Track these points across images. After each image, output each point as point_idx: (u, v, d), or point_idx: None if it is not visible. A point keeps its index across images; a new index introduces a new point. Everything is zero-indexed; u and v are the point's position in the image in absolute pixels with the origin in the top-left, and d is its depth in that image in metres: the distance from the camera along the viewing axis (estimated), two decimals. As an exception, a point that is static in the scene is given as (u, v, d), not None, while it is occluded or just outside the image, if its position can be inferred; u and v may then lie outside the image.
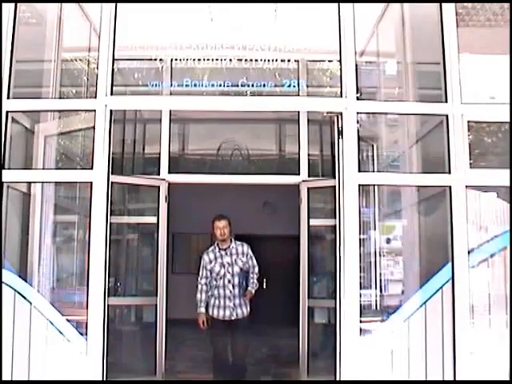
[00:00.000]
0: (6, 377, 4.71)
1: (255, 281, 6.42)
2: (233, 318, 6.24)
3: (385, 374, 4.92)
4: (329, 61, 6.04)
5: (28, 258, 5.21)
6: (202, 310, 6.22)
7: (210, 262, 6.26)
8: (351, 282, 4.76)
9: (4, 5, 5.05)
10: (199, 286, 6.32)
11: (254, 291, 6.37)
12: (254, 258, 6.42)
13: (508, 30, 5.04)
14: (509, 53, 4.89)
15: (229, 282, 6.22)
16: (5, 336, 4.76)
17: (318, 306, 7.31)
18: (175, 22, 5.37)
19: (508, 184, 4.78)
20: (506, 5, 5.30)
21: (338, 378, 4.88)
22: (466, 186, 4.85)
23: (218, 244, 6.33)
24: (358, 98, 5.00)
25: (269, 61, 5.50)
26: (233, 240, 6.36)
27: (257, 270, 6.43)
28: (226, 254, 6.27)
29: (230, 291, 6.22)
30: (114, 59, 5.05)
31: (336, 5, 5.08)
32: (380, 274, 5.68)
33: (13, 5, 5.10)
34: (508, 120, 4.91)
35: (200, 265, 6.36)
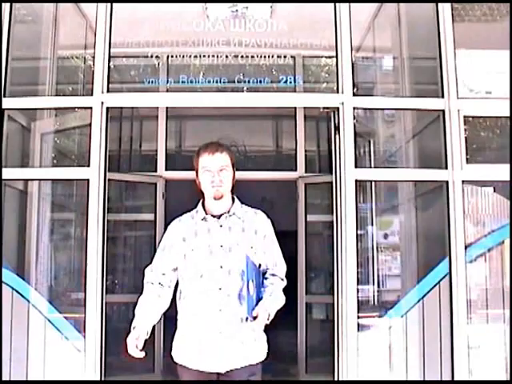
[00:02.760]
0: (4, 375, 4.70)
1: (277, 292, 3.28)
2: (227, 371, 3.18)
3: (383, 370, 4.93)
4: (325, 57, 6.02)
5: (25, 256, 5.20)
6: (142, 325, 3.26)
7: (184, 240, 3.29)
8: (349, 277, 4.77)
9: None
10: (146, 287, 3.41)
11: (272, 312, 3.17)
12: (276, 246, 3.43)
13: (506, 25, 5.05)
14: (509, 48, 4.89)
15: (220, 289, 3.17)
16: (3, 334, 4.76)
17: (315, 302, 7.31)
18: (171, 18, 5.35)
19: (507, 179, 4.79)
20: (502, -1, 5.31)
21: (336, 374, 4.89)
22: (463, 181, 4.86)
23: (204, 205, 3.35)
24: (354, 94, 5.00)
25: (265, 57, 5.48)
26: (236, 200, 3.39)
27: (281, 270, 3.42)
28: (221, 226, 3.27)
29: (221, 310, 3.16)
30: (110, 56, 5.05)
31: (332, 2, 5.09)
32: (378, 270, 5.67)
33: (8, 3, 5.09)
34: (508, 115, 4.91)
35: (160, 245, 3.47)
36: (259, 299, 3.16)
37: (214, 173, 3.22)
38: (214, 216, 3.28)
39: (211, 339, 3.15)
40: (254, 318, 3.06)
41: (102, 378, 4.78)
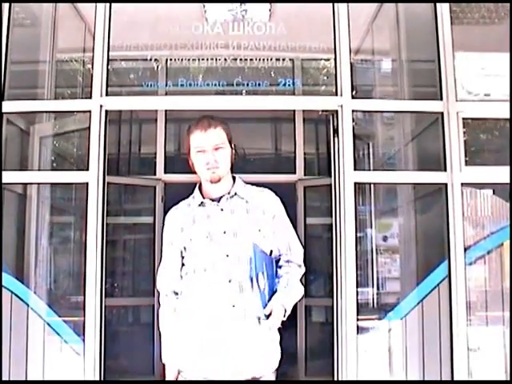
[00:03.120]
0: (3, 378, 4.70)
1: (293, 281, 2.90)
2: (238, 379, 2.73)
3: (382, 372, 4.92)
4: (324, 59, 6.03)
5: (24, 260, 5.20)
6: (171, 362, 3.05)
7: (182, 230, 2.92)
8: (348, 280, 4.76)
9: (-2, 6, 5.04)
10: (162, 300, 2.99)
11: (288, 307, 2.79)
12: (289, 227, 3.04)
13: (504, 27, 5.05)
14: (509, 51, 4.89)
15: (230, 281, 2.76)
16: (3, 338, 4.75)
17: (315, 305, 7.31)
18: (169, 22, 5.36)
19: (507, 181, 4.78)
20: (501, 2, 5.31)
21: (335, 376, 4.88)
22: (462, 184, 4.86)
23: (200, 189, 2.98)
24: (353, 96, 5.00)
25: (264, 60, 5.48)
26: (238, 179, 3.01)
27: (297, 255, 2.99)
28: (222, 209, 2.87)
29: (234, 306, 2.75)
30: (108, 59, 5.05)
31: (331, 3, 5.09)
32: (377, 272, 5.67)
33: (7, 6, 5.09)
34: (507, 117, 4.91)
35: (164, 240, 3.09)
36: (273, 292, 2.75)
37: (208, 153, 2.80)
38: (213, 200, 2.87)
39: (221, 340, 2.71)
40: (268, 315, 2.65)
41: (102, 382, 4.77)
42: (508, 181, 4.76)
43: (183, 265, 2.89)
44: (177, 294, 2.91)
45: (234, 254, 2.76)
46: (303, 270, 2.98)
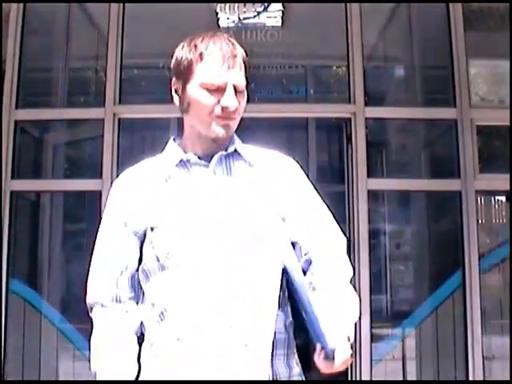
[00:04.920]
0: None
1: (349, 298, 1.81)
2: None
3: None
4: (336, 66, 6.02)
5: (37, 267, 5.21)
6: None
7: (142, 204, 1.75)
8: (362, 287, 4.73)
9: (12, 14, 5.06)
10: (95, 310, 2.02)
11: (352, 335, 1.72)
12: (323, 209, 1.90)
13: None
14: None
15: (232, 296, 1.61)
16: (15, 346, 4.76)
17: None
18: (182, 29, 5.37)
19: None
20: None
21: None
22: (476, 191, 4.82)
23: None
24: (366, 104, 4.98)
25: (276, 67, 5.48)
26: (234, 136, 1.85)
27: (339, 249, 1.86)
28: (215, 173, 1.76)
29: (232, 327, 1.58)
30: (121, 67, 5.05)
31: (343, 9, 5.08)
32: (390, 280, 5.65)
33: (21, 14, 5.10)
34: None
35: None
36: (295, 308, 1.71)
37: (228, 92, 1.72)
38: (199, 158, 1.79)
39: None
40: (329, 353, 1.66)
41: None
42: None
43: (140, 261, 1.78)
44: (123, 300, 1.81)
45: (233, 248, 1.66)
46: (351, 272, 1.88)
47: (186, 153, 1.80)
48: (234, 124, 1.77)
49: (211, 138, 1.76)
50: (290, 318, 1.74)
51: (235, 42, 1.77)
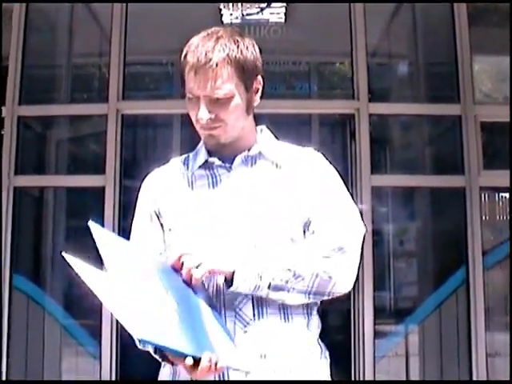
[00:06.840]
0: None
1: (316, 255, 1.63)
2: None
3: (399, 377, 4.89)
4: (340, 63, 6.00)
5: (41, 264, 5.21)
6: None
7: (159, 202, 1.76)
8: (366, 284, 4.73)
9: (14, 12, 5.06)
10: None
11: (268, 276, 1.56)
12: (354, 209, 1.77)
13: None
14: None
15: (237, 303, 1.60)
16: (18, 341, 4.77)
17: (331, 310, 7.27)
18: (185, 26, 5.36)
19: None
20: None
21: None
22: (480, 188, 4.81)
23: (205, 142, 1.78)
24: (370, 100, 4.97)
25: (279, 64, 5.47)
26: (264, 130, 1.89)
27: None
28: (236, 175, 1.73)
29: (245, 324, 1.59)
30: (125, 63, 5.05)
31: (347, 5, 5.06)
32: (394, 277, 5.63)
33: (24, 11, 5.10)
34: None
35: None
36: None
37: (200, 105, 1.67)
38: (223, 161, 1.75)
39: None
40: None
41: (118, 386, 4.77)
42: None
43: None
44: None
45: (251, 251, 1.61)
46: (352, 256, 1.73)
47: (210, 154, 1.76)
48: (220, 132, 1.68)
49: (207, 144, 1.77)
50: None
51: (233, 43, 1.67)
